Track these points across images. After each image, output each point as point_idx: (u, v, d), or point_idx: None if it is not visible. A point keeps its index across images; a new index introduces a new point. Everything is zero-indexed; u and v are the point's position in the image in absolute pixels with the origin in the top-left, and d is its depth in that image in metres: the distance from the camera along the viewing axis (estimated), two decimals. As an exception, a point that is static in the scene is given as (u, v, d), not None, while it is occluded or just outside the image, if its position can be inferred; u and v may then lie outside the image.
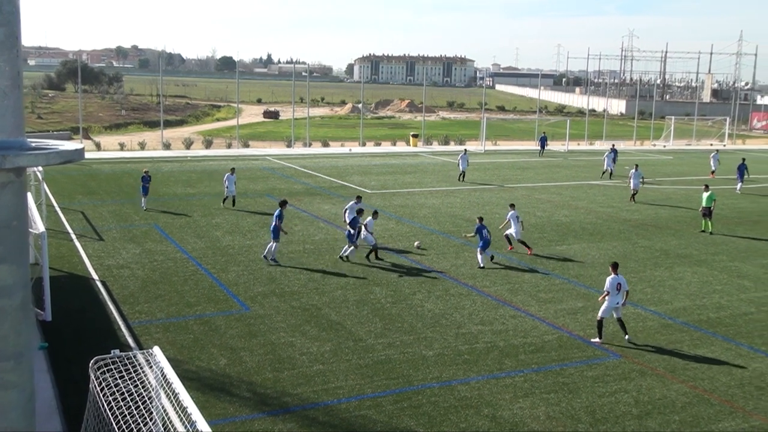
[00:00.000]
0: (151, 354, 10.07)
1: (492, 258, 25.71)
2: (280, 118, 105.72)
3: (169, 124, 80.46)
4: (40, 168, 27.97)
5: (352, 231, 25.41)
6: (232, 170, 35.22)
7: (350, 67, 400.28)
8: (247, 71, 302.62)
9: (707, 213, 32.28)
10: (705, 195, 32.49)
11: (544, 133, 67.05)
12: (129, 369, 10.00)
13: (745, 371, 17.02)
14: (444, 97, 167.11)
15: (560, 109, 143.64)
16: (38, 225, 19.64)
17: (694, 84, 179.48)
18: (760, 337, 19.34)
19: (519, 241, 27.42)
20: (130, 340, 17.54)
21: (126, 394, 9.84)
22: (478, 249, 25.47)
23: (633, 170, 40.12)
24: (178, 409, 8.95)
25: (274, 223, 24.67)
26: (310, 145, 67.00)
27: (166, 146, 61.02)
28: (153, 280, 22.58)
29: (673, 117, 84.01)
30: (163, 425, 9.92)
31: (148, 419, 9.82)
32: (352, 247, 25.39)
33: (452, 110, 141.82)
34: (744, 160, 46.75)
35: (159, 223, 30.72)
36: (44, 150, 4.41)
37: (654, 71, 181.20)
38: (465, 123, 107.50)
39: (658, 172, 53.25)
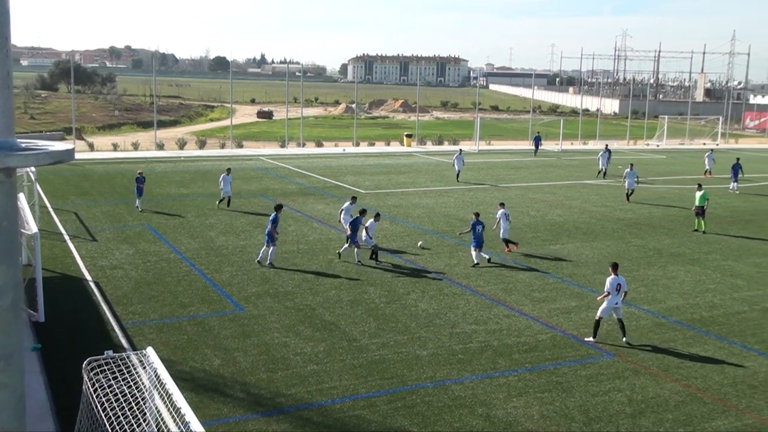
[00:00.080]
0: (145, 355, 10.05)
1: (489, 260, 25.74)
2: (273, 118, 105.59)
3: (162, 124, 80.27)
4: (33, 169, 27.90)
5: (350, 232, 25.26)
6: (228, 170, 35.13)
7: (344, 67, 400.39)
8: (241, 71, 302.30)
9: (700, 212, 32.37)
10: (698, 194, 32.58)
11: (538, 132, 67.15)
12: (122, 370, 9.97)
13: (737, 370, 17.07)
14: (438, 97, 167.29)
15: (554, 109, 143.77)
16: (31, 226, 19.58)
17: (687, 83, 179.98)
18: (752, 335, 19.40)
19: (503, 239, 27.51)
20: (123, 341, 17.49)
21: (119, 395, 9.80)
22: (472, 247, 25.56)
23: (628, 170, 40.20)
24: (171, 409, 8.92)
25: (268, 228, 24.49)
26: (303, 145, 66.96)
27: (160, 147, 60.90)
28: (146, 280, 22.53)
29: (666, 116, 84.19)
30: (156, 426, 9.89)
31: (141, 420, 9.79)
32: (356, 249, 25.22)
33: (446, 110, 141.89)
34: (738, 159, 46.90)
35: (152, 223, 30.66)
36: (34, 150, 4.39)
37: (647, 71, 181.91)
38: (459, 123, 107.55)
39: (651, 171, 53.36)
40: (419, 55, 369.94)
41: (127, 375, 9.92)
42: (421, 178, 47.54)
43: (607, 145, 55.42)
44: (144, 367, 10.00)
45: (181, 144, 62.36)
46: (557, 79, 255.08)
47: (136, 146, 60.63)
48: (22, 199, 22.29)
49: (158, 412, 9.70)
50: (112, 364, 9.94)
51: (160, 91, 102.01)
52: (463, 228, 28.01)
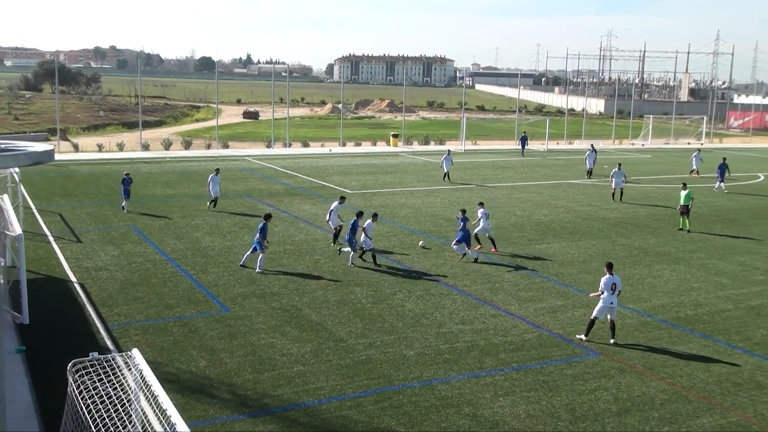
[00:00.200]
0: (130, 356, 10.00)
1: (476, 260, 25.91)
2: (259, 118, 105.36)
3: (147, 124, 79.97)
4: (17, 170, 27.72)
5: (350, 235, 25.13)
6: (217, 170, 34.99)
7: (330, 67, 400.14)
8: (227, 71, 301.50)
9: (685, 211, 32.57)
10: (683, 193, 32.78)
11: (524, 132, 67.37)
12: (108, 371, 9.91)
13: (722, 368, 17.18)
14: (424, 96, 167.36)
15: (540, 109, 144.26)
16: (15, 227, 19.44)
17: (671, 83, 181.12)
18: (737, 333, 19.53)
19: (486, 237, 27.71)
20: (108, 343, 17.41)
21: (105, 397, 9.76)
22: (455, 241, 26.23)
23: (615, 169, 40.37)
24: (157, 411, 8.89)
25: (256, 236, 24.10)
26: (290, 145, 66.86)
27: (145, 147, 60.66)
28: (132, 282, 22.43)
29: (651, 116, 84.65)
30: (142, 428, 9.85)
31: (127, 422, 9.75)
32: (351, 253, 25.20)
33: (432, 110, 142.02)
34: (725, 159, 47.22)
35: (138, 224, 30.53)
36: (13, 152, 4.38)
37: (632, 71, 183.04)
38: (445, 123, 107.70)
39: (636, 170, 53.59)
40: (405, 55, 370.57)
41: (112, 377, 9.88)
42: (408, 178, 47.57)
43: (592, 145, 55.65)
44: (129, 369, 9.96)
45: (167, 144, 62.14)
46: (543, 79, 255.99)
47: (121, 147, 60.36)
48: (6, 201, 22.14)
49: (144, 413, 9.67)
50: (98, 366, 9.89)
51: (145, 91, 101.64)
52: (475, 223, 27.81)
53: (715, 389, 15.94)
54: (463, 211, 26.58)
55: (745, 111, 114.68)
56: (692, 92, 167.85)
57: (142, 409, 9.75)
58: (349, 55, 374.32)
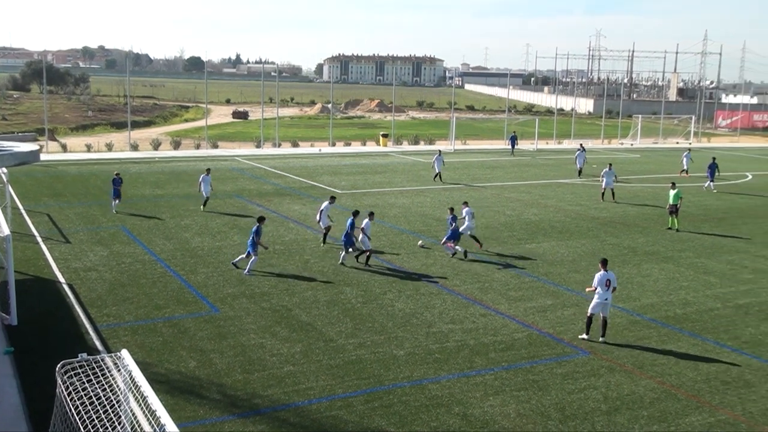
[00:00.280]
0: (120, 357, 9.97)
1: (465, 254, 26.08)
2: (249, 118, 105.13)
3: (136, 125, 79.65)
4: (5, 170, 27.59)
5: (347, 235, 25.07)
6: (208, 171, 34.88)
7: (319, 67, 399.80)
8: (216, 71, 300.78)
9: (674, 210, 32.70)
10: (672, 192, 32.92)
11: (514, 132, 67.51)
12: (97, 373, 9.88)
13: (711, 366, 17.26)
14: (413, 96, 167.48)
15: (529, 108, 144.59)
16: (3, 228, 19.35)
17: (660, 83, 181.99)
18: (725, 332, 19.62)
19: (470, 235, 27.80)
20: (97, 344, 17.34)
21: (94, 398, 9.72)
22: (448, 240, 26.38)
23: (606, 169, 40.48)
24: (146, 412, 8.86)
25: (251, 238, 23.85)
26: (279, 145, 66.75)
27: (134, 147, 60.43)
28: (121, 282, 22.35)
29: (640, 116, 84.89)
30: (131, 429, 9.83)
31: (116, 423, 9.72)
32: (344, 253, 25.18)
33: (422, 110, 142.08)
34: (714, 159, 47.44)
35: (127, 225, 30.42)
36: None
37: (621, 70, 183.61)
38: (434, 123, 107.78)
39: (625, 170, 53.74)
40: (395, 55, 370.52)
41: (101, 378, 9.85)
42: (397, 177, 47.59)
43: (582, 145, 55.79)
44: (119, 370, 9.93)
45: (156, 145, 61.93)
46: (532, 79, 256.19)
47: (109, 147, 60.11)
48: (-7, 201, 22.03)
49: (133, 414, 9.64)
50: (87, 367, 9.86)
51: (134, 91, 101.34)
52: (459, 221, 27.87)
53: (704, 388, 16.01)
54: (452, 210, 26.96)
55: (733, 111, 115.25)
56: (681, 92, 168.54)
57: (131, 410, 9.72)
58: (339, 54, 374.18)
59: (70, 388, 9.66)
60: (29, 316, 18.81)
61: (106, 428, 9.51)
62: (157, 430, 8.39)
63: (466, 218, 27.77)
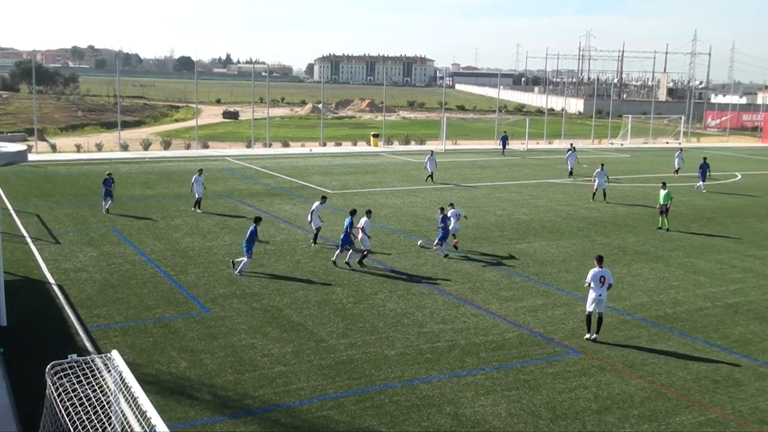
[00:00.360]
0: (110, 358, 9.94)
1: (446, 255, 26.21)
2: (239, 118, 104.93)
3: (126, 125, 79.39)
4: (-6, 170, 27.45)
5: (345, 234, 25.03)
6: (200, 171, 34.79)
7: (310, 67, 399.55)
8: (206, 71, 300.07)
9: (664, 210, 32.83)
10: (662, 192, 33.04)
11: (505, 132, 67.63)
12: (87, 374, 9.84)
13: (701, 365, 17.33)
14: (404, 96, 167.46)
15: (520, 109, 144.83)
16: (-8, 228, 19.26)
17: (650, 83, 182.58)
18: (715, 331, 19.71)
19: (451, 235, 28.01)
20: (88, 345, 17.28)
21: (84, 399, 9.69)
22: (437, 240, 26.66)
23: (599, 169, 40.57)
24: (137, 413, 8.83)
25: (248, 238, 23.63)
26: (270, 145, 66.66)
27: (124, 147, 60.23)
28: (111, 283, 22.27)
29: (630, 116, 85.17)
30: (122, 430, 9.79)
31: (106, 424, 9.69)
32: (338, 251, 25.18)
33: (413, 110, 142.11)
34: (705, 159, 47.62)
35: (117, 225, 30.32)
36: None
37: (611, 71, 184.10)
38: (425, 122, 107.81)
39: (615, 170, 53.89)
40: (386, 55, 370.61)
41: (91, 379, 9.81)
42: (388, 177, 47.59)
43: (572, 144, 55.92)
44: (109, 371, 9.90)
45: (146, 145, 61.75)
46: (523, 79, 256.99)
47: (99, 147, 59.89)
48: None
49: (124, 415, 9.61)
50: (77, 368, 9.82)
51: (124, 91, 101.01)
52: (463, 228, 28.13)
53: (694, 387, 16.08)
54: (442, 209, 27.21)
55: (722, 111, 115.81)
56: (670, 92, 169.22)
57: (121, 411, 9.69)
58: (329, 55, 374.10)
59: (60, 389, 9.62)
60: (18, 316, 18.72)
61: (96, 429, 9.47)
62: (148, 431, 8.36)
63: (452, 219, 27.82)
